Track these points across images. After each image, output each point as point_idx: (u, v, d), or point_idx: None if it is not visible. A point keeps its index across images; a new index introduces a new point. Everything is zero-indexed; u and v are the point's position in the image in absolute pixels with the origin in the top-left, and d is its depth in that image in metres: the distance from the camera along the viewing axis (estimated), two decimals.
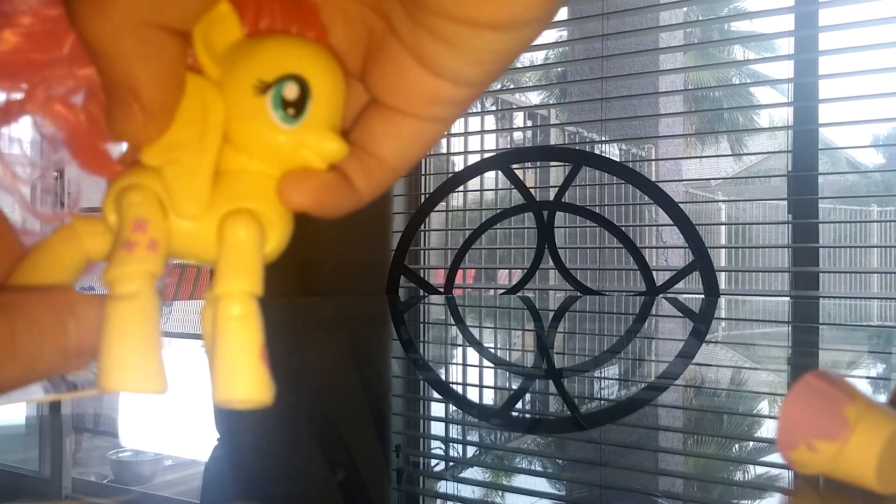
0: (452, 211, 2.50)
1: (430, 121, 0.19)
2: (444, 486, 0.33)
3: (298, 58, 0.17)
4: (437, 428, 0.47)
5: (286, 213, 0.18)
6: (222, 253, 0.17)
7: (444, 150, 2.45)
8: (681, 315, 1.10)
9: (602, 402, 0.54)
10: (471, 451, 0.41)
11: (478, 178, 1.57)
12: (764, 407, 0.52)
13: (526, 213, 1.36)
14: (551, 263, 1.33)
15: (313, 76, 0.17)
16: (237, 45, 0.17)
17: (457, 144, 2.47)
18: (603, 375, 0.65)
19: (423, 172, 2.28)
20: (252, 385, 0.17)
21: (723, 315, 1.13)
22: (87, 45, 0.16)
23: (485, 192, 2.64)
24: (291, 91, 0.17)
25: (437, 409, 0.52)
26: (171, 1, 0.15)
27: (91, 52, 0.16)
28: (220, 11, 0.17)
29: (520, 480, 0.34)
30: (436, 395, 0.57)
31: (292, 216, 0.18)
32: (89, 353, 0.17)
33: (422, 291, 1.49)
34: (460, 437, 0.44)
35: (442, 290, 1.44)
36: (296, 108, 0.17)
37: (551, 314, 1.21)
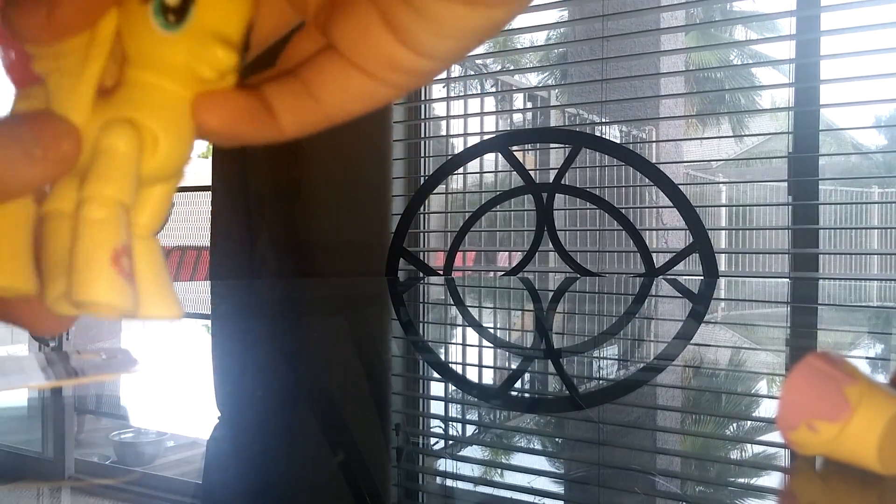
0: (452, 193, 2.49)
1: (383, 84, 0.18)
2: (443, 465, 0.34)
3: None
4: (437, 407, 0.47)
5: (181, 131, 0.18)
6: (95, 158, 0.17)
7: (443, 132, 2.43)
8: (680, 296, 1.10)
9: (600, 381, 0.54)
10: (470, 429, 0.41)
11: (477, 161, 1.56)
12: (762, 387, 0.52)
13: (525, 196, 1.36)
14: (551, 246, 1.33)
15: None
16: None
17: (456, 126, 2.46)
18: (601, 356, 0.65)
19: (422, 154, 2.27)
20: (103, 288, 0.16)
21: (722, 296, 1.14)
22: None
23: (484, 174, 2.64)
24: None
25: (437, 388, 0.53)
26: None
27: None
28: None
29: (518, 459, 0.34)
30: (435, 374, 0.58)
31: (191, 135, 0.18)
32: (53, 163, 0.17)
33: (421, 274, 1.49)
34: (459, 417, 0.44)
35: (441, 272, 1.44)
36: (177, 15, 0.17)
37: (551, 295, 1.21)
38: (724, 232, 4.32)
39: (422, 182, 1.41)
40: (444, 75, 2.16)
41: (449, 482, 0.31)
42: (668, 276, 1.30)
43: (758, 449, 0.36)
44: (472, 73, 2.57)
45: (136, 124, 0.17)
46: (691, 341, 0.70)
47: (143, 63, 0.17)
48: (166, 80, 0.17)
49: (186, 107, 0.17)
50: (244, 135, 0.18)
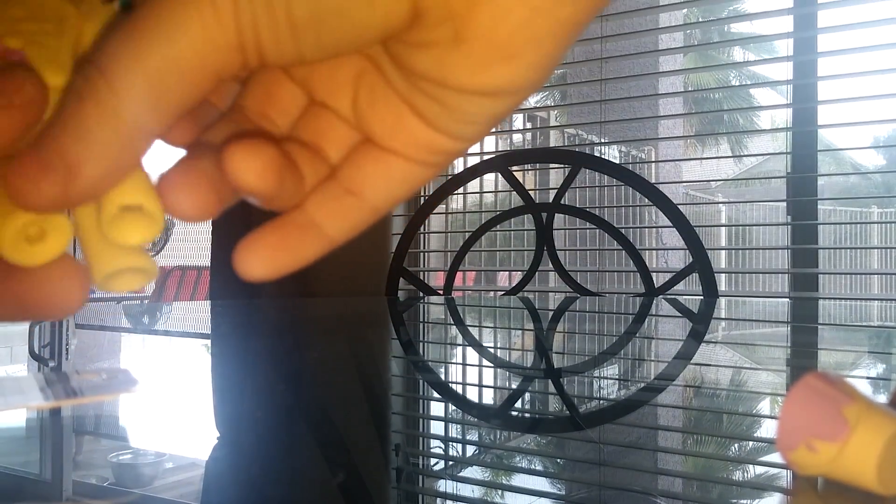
0: (452, 213, 2.50)
1: (423, 165, 0.19)
2: (443, 486, 0.34)
3: None
4: (437, 427, 0.47)
5: None
6: None
7: None
8: (679, 315, 1.10)
9: (601, 401, 0.54)
10: (470, 450, 0.41)
11: (477, 180, 1.57)
12: (763, 407, 0.52)
13: (525, 215, 1.37)
14: (551, 265, 1.33)
15: None
16: None
17: None
18: (602, 375, 0.65)
19: None
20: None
21: (722, 316, 1.14)
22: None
23: (484, 194, 2.64)
24: None
25: (437, 408, 0.53)
26: (174, 108, 0.15)
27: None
28: None
29: (519, 480, 0.34)
30: (435, 394, 0.57)
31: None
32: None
33: (421, 293, 1.49)
34: (460, 437, 0.44)
35: (441, 292, 1.44)
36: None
37: (551, 315, 1.21)
38: (723, 252, 4.33)
39: (422, 202, 1.42)
40: None
41: (449, 503, 0.31)
42: (668, 296, 1.30)
43: (760, 470, 0.36)
44: None
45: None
46: (692, 361, 0.70)
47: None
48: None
49: None
50: (294, 265, 0.18)
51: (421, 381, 0.63)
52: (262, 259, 0.18)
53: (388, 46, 0.17)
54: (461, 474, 0.35)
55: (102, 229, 0.17)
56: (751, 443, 0.42)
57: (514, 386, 0.62)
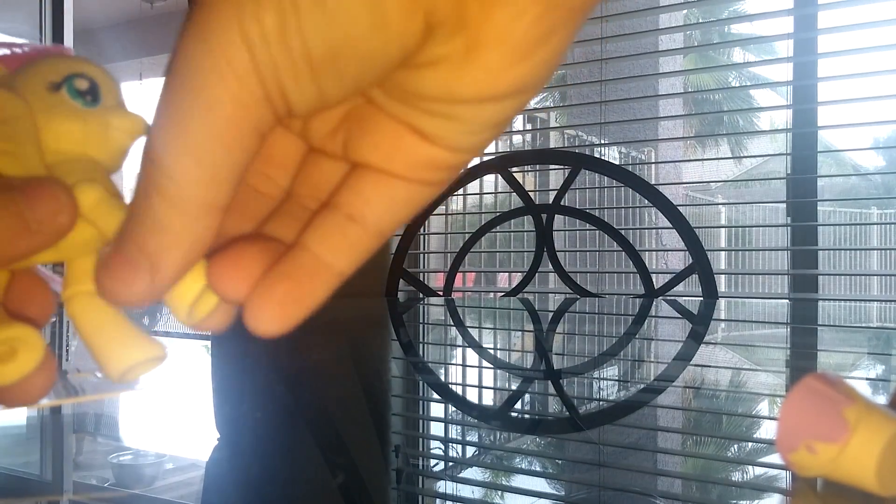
0: (452, 214, 2.50)
1: (426, 184, 0.18)
2: (443, 487, 0.34)
3: (76, 63, 0.20)
4: (437, 428, 0.47)
5: (119, 193, 0.19)
6: (93, 212, 0.18)
7: None
8: (679, 317, 1.10)
9: (601, 402, 0.54)
10: (470, 451, 0.41)
11: (477, 182, 1.57)
12: (762, 408, 0.52)
13: (525, 217, 1.37)
14: (550, 266, 1.33)
15: (93, 73, 0.20)
16: (13, 73, 0.20)
17: None
18: (602, 377, 0.65)
19: None
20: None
21: (722, 317, 1.14)
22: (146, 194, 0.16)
23: (484, 195, 2.64)
24: (82, 83, 0.19)
25: (437, 409, 0.53)
26: (232, 177, 0.16)
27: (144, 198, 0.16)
28: None
29: (519, 481, 0.34)
30: (435, 395, 0.57)
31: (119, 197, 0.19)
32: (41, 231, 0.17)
33: (421, 294, 1.49)
34: (460, 438, 0.44)
35: (441, 293, 1.44)
36: (91, 95, 0.20)
37: (550, 316, 1.21)
38: (723, 253, 4.32)
39: None
40: None
41: None
42: (668, 297, 1.30)
43: (759, 471, 0.36)
44: None
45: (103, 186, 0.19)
46: (691, 362, 0.70)
47: (67, 137, 0.19)
48: (94, 151, 0.20)
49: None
50: (307, 311, 0.18)
51: (421, 383, 0.63)
52: (274, 316, 0.17)
53: (389, 76, 0.17)
54: (461, 475, 0.35)
55: (191, 313, 0.18)
56: (750, 444, 0.42)
57: (513, 387, 0.62)
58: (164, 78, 0.15)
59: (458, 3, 0.15)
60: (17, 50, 0.20)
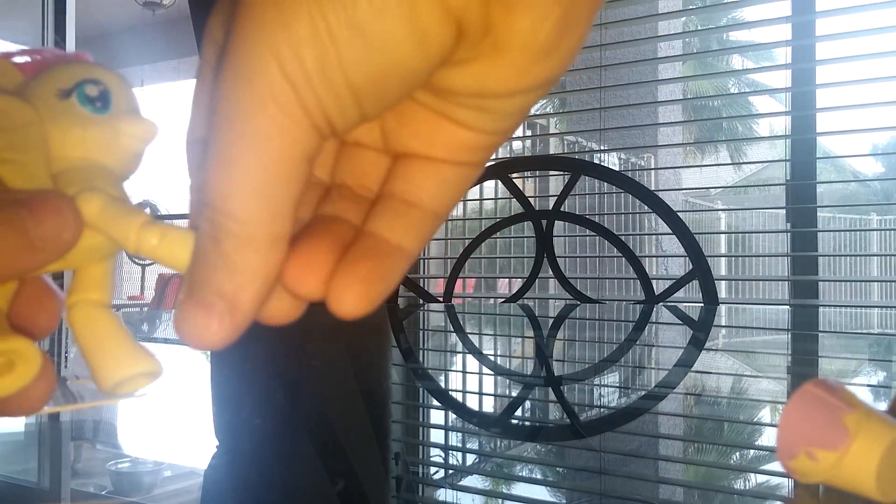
0: (451, 220, 2.50)
1: (467, 165, 0.19)
2: (443, 495, 0.33)
3: (88, 68, 0.20)
4: (437, 436, 0.46)
5: (128, 199, 0.19)
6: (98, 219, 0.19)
7: None
8: (680, 323, 1.10)
9: (602, 409, 0.54)
10: (470, 458, 0.41)
11: (477, 187, 1.57)
12: (764, 415, 0.52)
13: (525, 222, 1.37)
14: (551, 272, 1.33)
15: (106, 78, 0.20)
16: (29, 81, 0.20)
17: None
18: (602, 383, 0.65)
19: None
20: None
21: (723, 323, 1.13)
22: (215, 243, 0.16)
23: (484, 201, 2.65)
24: (92, 90, 0.20)
25: (437, 416, 0.52)
26: (290, 208, 0.16)
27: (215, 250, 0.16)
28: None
29: (519, 489, 0.34)
30: (435, 402, 0.57)
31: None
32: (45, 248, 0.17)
33: (421, 301, 1.49)
34: (460, 445, 0.43)
35: (441, 299, 1.44)
36: (101, 101, 0.20)
37: (551, 322, 1.21)
38: (723, 259, 4.32)
39: None
40: None
41: None
42: (668, 303, 1.30)
43: (761, 478, 0.36)
44: None
45: (102, 191, 0.19)
46: (692, 369, 0.70)
47: (78, 143, 0.19)
48: (104, 157, 0.20)
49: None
50: (387, 291, 0.18)
51: (421, 389, 0.63)
52: (358, 294, 0.17)
53: None
54: (461, 483, 0.35)
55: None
56: (752, 451, 0.42)
57: (514, 394, 0.62)
58: (212, 125, 0.16)
59: (485, 10, 0.15)
60: (38, 57, 0.20)
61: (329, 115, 0.16)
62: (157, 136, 0.20)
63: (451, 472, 0.37)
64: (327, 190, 0.20)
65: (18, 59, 0.20)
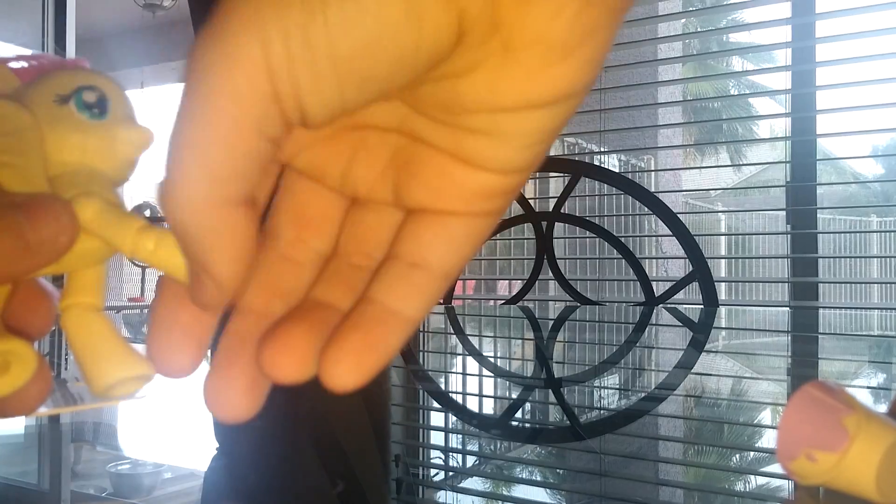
0: None
1: (480, 215, 0.17)
2: (443, 497, 0.33)
3: (87, 75, 0.20)
4: (437, 438, 0.46)
5: (122, 205, 0.19)
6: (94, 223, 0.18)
7: None
8: (680, 325, 1.10)
9: (602, 411, 0.54)
10: (470, 460, 0.41)
11: None
12: (764, 417, 0.52)
13: (525, 224, 1.37)
14: (551, 274, 1.33)
15: (104, 85, 0.20)
16: (26, 85, 0.20)
17: None
18: (602, 385, 0.65)
19: None
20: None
21: (722, 325, 1.13)
22: (173, 229, 0.16)
23: None
24: (90, 96, 0.20)
25: (437, 418, 0.52)
26: (233, 176, 0.15)
27: (176, 235, 0.16)
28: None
29: (519, 490, 0.34)
30: (435, 404, 0.57)
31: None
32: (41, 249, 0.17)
33: None
34: (460, 447, 0.43)
35: (441, 300, 1.44)
36: (98, 108, 0.20)
37: (551, 324, 1.21)
38: (723, 260, 4.32)
39: None
40: None
41: None
42: (668, 305, 1.30)
43: (761, 480, 0.36)
44: None
45: (98, 195, 0.19)
46: (692, 370, 0.70)
47: (74, 149, 0.19)
48: (101, 163, 0.20)
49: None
50: (383, 361, 0.17)
51: (421, 391, 0.63)
52: (350, 368, 0.16)
53: (423, 98, 0.16)
54: (461, 485, 0.35)
55: None
56: (752, 453, 0.42)
57: (514, 396, 0.62)
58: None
59: (492, 1, 0.14)
60: (35, 63, 0.21)
61: (300, 88, 0.14)
62: (153, 143, 0.20)
63: (451, 474, 0.37)
64: (325, 262, 0.19)
65: (15, 65, 0.20)
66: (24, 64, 0.20)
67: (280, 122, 0.15)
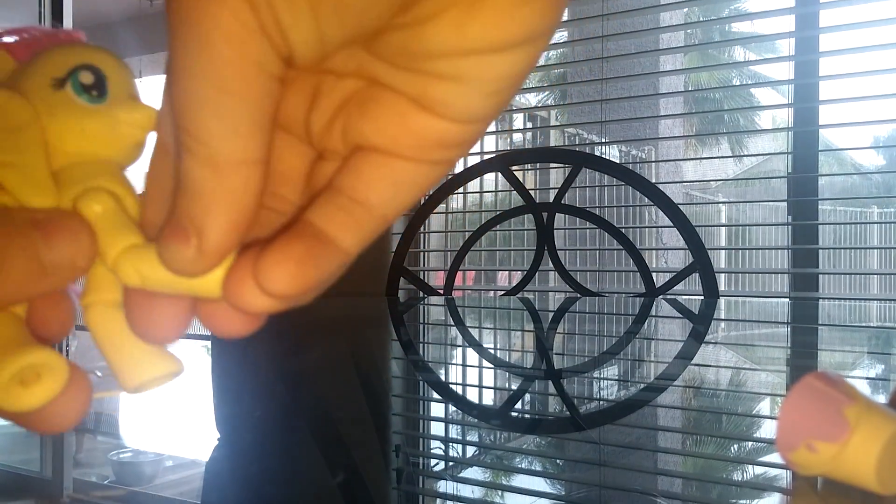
0: (452, 212, 2.49)
1: (431, 164, 0.17)
2: (443, 486, 0.34)
3: (83, 52, 0.19)
4: (437, 428, 0.47)
5: (132, 190, 0.19)
6: (94, 225, 0.18)
7: None
8: (680, 316, 1.10)
9: (601, 402, 0.54)
10: (470, 451, 0.41)
11: (477, 180, 1.57)
12: (763, 407, 0.52)
13: (526, 215, 1.37)
14: (551, 265, 1.33)
15: (101, 62, 0.19)
16: (21, 66, 0.19)
17: None
18: (602, 376, 0.65)
19: None
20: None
21: (722, 316, 1.14)
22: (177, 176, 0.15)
23: (484, 193, 2.64)
24: (87, 77, 0.19)
25: (437, 409, 0.53)
26: (253, 128, 0.15)
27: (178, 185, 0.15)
28: None
29: (519, 480, 0.34)
30: (435, 395, 0.57)
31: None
32: (59, 269, 0.17)
33: (421, 293, 1.49)
34: (460, 438, 0.44)
35: (441, 291, 1.44)
36: (97, 90, 0.19)
37: (551, 315, 1.21)
38: (723, 252, 4.32)
39: (422, 201, 1.42)
40: None
41: None
42: (669, 296, 1.30)
43: (759, 470, 0.36)
44: None
45: (105, 189, 0.18)
46: (692, 361, 0.70)
47: (75, 137, 0.19)
48: (104, 149, 0.19)
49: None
50: (317, 283, 0.16)
51: (421, 382, 0.63)
52: (289, 273, 0.16)
53: (386, 43, 0.16)
54: (461, 475, 0.35)
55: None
56: (751, 443, 0.42)
57: (514, 386, 0.62)
58: (168, 29, 0.15)
59: None
60: (26, 35, 0.20)
61: (281, 21, 0.14)
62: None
63: (451, 464, 0.37)
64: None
65: (7, 39, 0.20)
66: (16, 38, 0.20)
67: (276, 56, 0.14)
